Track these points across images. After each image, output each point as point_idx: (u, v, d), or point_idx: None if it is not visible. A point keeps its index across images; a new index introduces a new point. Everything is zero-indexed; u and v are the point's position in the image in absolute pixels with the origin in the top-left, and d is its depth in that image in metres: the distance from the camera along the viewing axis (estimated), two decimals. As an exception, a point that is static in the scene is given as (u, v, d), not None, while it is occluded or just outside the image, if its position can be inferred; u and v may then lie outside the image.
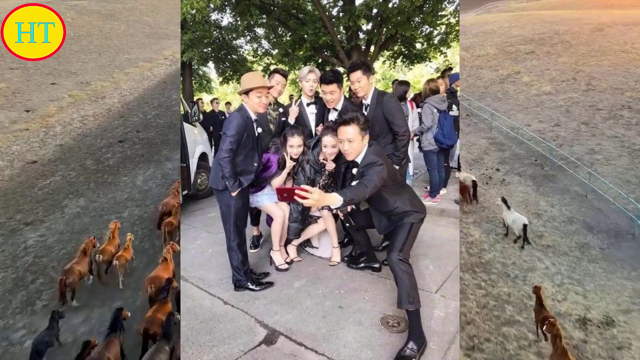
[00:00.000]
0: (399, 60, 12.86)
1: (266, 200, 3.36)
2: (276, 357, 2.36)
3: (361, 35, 11.33)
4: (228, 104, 9.61)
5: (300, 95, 3.73)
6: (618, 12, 16.43)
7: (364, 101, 3.32)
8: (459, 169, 6.36)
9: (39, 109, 8.35)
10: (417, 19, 10.85)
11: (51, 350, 3.03)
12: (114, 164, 6.56)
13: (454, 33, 11.40)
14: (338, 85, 3.26)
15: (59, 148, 7.10)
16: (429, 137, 4.97)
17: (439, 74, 7.74)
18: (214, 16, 12.90)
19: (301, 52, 11.88)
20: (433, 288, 3.05)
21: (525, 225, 5.38)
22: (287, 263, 3.46)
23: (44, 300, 3.74)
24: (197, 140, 5.77)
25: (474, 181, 6.14)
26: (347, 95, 4.20)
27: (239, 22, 12.35)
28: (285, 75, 3.71)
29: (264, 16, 11.50)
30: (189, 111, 5.86)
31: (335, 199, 2.10)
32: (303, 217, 3.44)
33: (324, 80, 3.26)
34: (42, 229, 4.90)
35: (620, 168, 7.23)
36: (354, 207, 3.08)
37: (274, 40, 12.93)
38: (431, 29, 11.59)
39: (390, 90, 7.95)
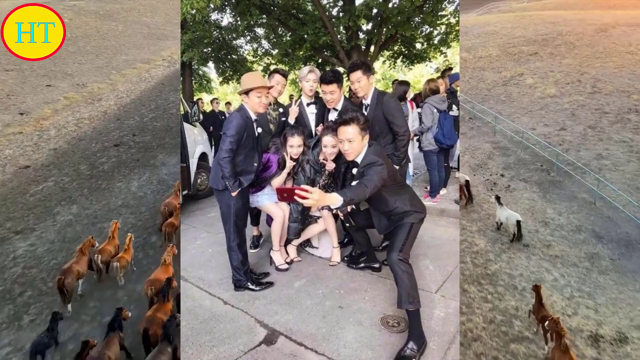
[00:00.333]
0: (399, 60, 12.86)
1: (266, 200, 3.36)
2: (276, 357, 2.36)
3: (361, 35, 11.33)
4: (228, 104, 9.61)
5: (300, 95, 3.72)
6: (620, 12, 16.26)
7: (364, 101, 3.32)
8: (458, 169, 6.36)
9: (33, 112, 8.24)
10: (417, 19, 10.83)
11: (50, 350, 3.02)
12: (108, 169, 6.44)
13: (454, 33, 11.38)
14: (338, 85, 3.26)
15: (53, 152, 6.99)
16: (429, 137, 4.97)
17: (439, 74, 7.74)
18: (214, 16, 12.90)
19: (301, 52, 11.88)
20: (433, 288, 3.05)
21: (518, 222, 5.37)
22: (287, 263, 3.46)
23: (31, 315, 3.58)
24: (197, 140, 5.77)
25: (467, 181, 6.13)
26: (347, 95, 4.20)
27: (239, 22, 12.34)
28: (285, 75, 3.71)
29: (264, 16, 11.49)
30: (189, 111, 5.86)
31: (335, 199, 2.10)
32: (303, 217, 3.44)
33: (324, 80, 3.26)
34: (32, 237, 4.75)
35: (629, 174, 6.98)
36: (354, 207, 3.08)
37: (274, 40, 12.92)
38: (431, 29, 11.58)
39: (390, 90, 7.95)
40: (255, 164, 3.09)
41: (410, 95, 5.36)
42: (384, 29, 10.78)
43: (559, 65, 11.86)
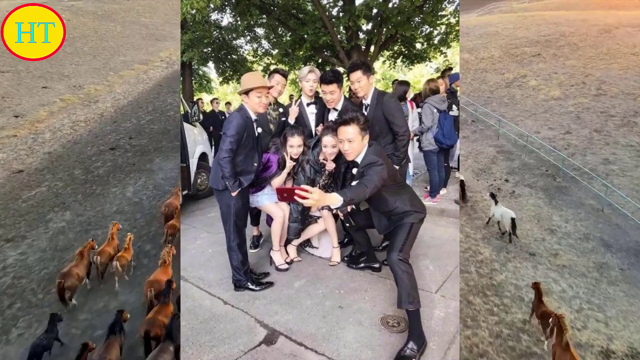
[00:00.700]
0: (399, 60, 12.86)
1: (266, 200, 3.36)
2: (276, 357, 2.36)
3: (361, 35, 11.33)
4: (228, 104, 9.61)
5: (300, 95, 3.73)
6: (622, 13, 16.05)
7: (364, 101, 3.32)
8: (458, 168, 6.35)
9: (28, 114, 8.08)
10: (417, 19, 10.84)
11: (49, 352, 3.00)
12: (103, 174, 6.26)
13: (454, 33, 11.39)
14: (338, 85, 3.26)
15: (47, 156, 6.82)
16: (429, 137, 4.98)
17: (439, 74, 7.73)
18: (214, 16, 12.91)
19: (301, 52, 11.88)
20: (433, 288, 3.05)
21: (513, 219, 5.33)
22: (287, 263, 3.46)
23: (20, 329, 3.41)
24: (197, 140, 5.77)
25: (462, 181, 6.10)
26: (347, 95, 4.20)
27: (239, 22, 12.34)
28: (285, 75, 3.71)
29: (264, 16, 11.50)
30: (189, 111, 5.86)
31: (335, 199, 2.10)
32: (303, 217, 3.44)
33: (324, 80, 3.26)
34: (23, 245, 4.59)
35: (638, 180, 6.78)
36: (354, 207, 3.08)
37: (274, 40, 12.93)
38: (431, 29, 11.58)
39: (390, 90, 7.95)
40: (255, 164, 3.09)
41: (410, 95, 5.36)
42: (384, 29, 10.79)
43: (563, 67, 11.67)
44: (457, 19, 11.22)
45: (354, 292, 3.03)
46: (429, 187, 5.19)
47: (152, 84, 10.35)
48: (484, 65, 12.77)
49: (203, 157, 5.88)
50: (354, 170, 2.64)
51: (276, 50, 12.46)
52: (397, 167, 3.05)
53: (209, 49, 13.20)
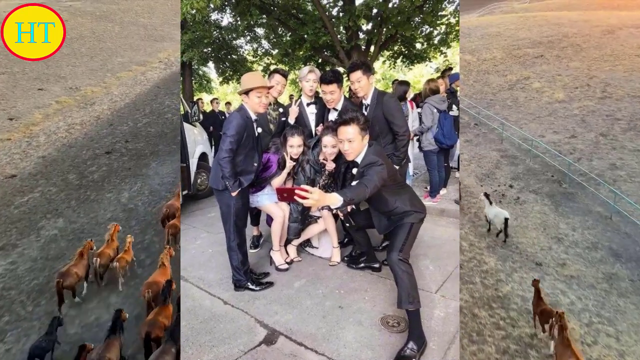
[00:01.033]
0: (399, 60, 12.86)
1: (266, 200, 3.36)
2: (276, 357, 2.36)
3: (361, 35, 11.33)
4: (228, 104, 9.62)
5: (300, 95, 3.73)
6: (625, 13, 15.85)
7: (364, 101, 3.32)
8: (458, 168, 6.35)
9: (23, 117, 7.92)
10: (417, 19, 10.84)
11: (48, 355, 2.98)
12: (98, 179, 6.11)
13: (454, 33, 11.39)
14: (338, 85, 3.26)
15: (42, 160, 6.66)
16: (429, 137, 4.98)
17: (439, 74, 7.73)
18: (214, 16, 12.91)
19: (301, 52, 11.89)
20: (433, 288, 3.05)
21: (506, 219, 5.31)
22: (287, 263, 3.46)
23: (7, 343, 3.29)
24: (197, 140, 5.77)
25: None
26: (347, 95, 4.20)
27: (239, 22, 12.35)
28: (285, 75, 3.72)
29: (264, 16, 11.50)
30: (189, 111, 5.86)
31: (335, 199, 2.10)
32: (303, 217, 3.44)
33: (324, 80, 3.26)
34: (13, 254, 4.44)
35: None
36: (354, 207, 3.08)
37: (274, 40, 12.94)
38: (431, 29, 11.58)
39: (390, 90, 7.95)
40: (255, 164, 3.09)
41: (410, 95, 5.36)
42: (384, 29, 10.79)
43: (566, 69, 11.46)
44: (457, 19, 11.22)
45: (354, 292, 3.03)
46: (429, 187, 5.19)
47: (150, 85, 10.21)
48: (486, 66, 12.62)
49: (203, 157, 5.88)
50: (354, 170, 2.64)
51: (276, 50, 12.46)
52: (397, 167, 3.05)
53: (209, 49, 13.20)
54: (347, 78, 3.62)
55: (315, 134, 3.55)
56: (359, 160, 2.55)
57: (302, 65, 10.67)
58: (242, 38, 13.55)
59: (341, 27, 11.27)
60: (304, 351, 2.40)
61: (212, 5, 10.15)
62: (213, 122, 7.58)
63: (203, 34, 11.98)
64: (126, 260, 3.88)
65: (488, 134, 9.09)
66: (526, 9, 21.60)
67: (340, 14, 11.07)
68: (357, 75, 3.17)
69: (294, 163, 3.30)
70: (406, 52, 12.58)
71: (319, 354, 2.37)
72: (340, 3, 11.16)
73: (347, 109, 2.87)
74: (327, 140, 3.12)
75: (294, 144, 3.22)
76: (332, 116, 3.44)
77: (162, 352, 2.72)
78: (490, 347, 3.78)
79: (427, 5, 10.57)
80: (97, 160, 6.70)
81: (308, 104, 3.62)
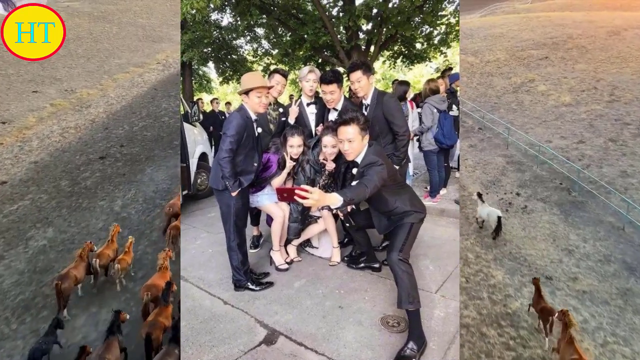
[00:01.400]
0: (399, 60, 12.85)
1: (266, 200, 3.37)
2: (276, 357, 2.36)
3: (361, 35, 11.33)
4: (228, 104, 9.62)
5: (300, 95, 3.73)
6: (629, 14, 15.49)
7: (364, 101, 3.33)
8: (458, 168, 6.35)
9: (16, 120, 7.67)
10: (417, 19, 10.83)
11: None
12: (91, 185, 5.87)
13: (454, 33, 11.38)
14: (338, 85, 3.26)
15: (34, 166, 6.44)
16: (429, 137, 4.98)
17: (439, 74, 7.73)
18: (214, 16, 12.89)
19: (301, 52, 11.88)
20: (433, 288, 3.05)
21: (499, 217, 5.24)
22: (287, 263, 3.47)
23: None
24: (197, 140, 5.78)
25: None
26: (347, 95, 4.20)
27: (239, 22, 12.34)
28: (285, 75, 3.72)
29: (264, 16, 11.50)
30: (189, 111, 5.86)
31: (335, 199, 2.11)
32: (303, 217, 3.44)
33: (324, 80, 3.27)
34: (0, 267, 4.26)
35: None
36: (354, 207, 3.08)
37: (274, 40, 12.93)
38: (431, 29, 11.57)
39: (390, 90, 7.95)
40: (255, 164, 3.09)
41: (410, 95, 5.37)
42: (384, 29, 10.79)
43: (572, 71, 11.07)
44: (457, 19, 11.21)
45: (354, 292, 3.03)
46: (429, 187, 5.20)
47: (147, 87, 9.98)
48: (490, 68, 12.28)
49: (203, 157, 5.88)
50: (354, 170, 2.64)
51: (276, 50, 12.46)
52: (397, 167, 3.05)
53: (209, 49, 13.19)
54: (347, 78, 3.62)
55: (315, 134, 3.56)
56: (359, 160, 2.56)
57: (302, 65, 10.67)
58: (242, 38, 13.54)
59: (341, 27, 11.26)
60: (304, 351, 2.40)
61: (212, 5, 10.14)
62: (213, 122, 7.58)
63: (203, 34, 11.97)
64: (126, 261, 3.86)
65: (493, 139, 8.72)
66: (528, 9, 21.28)
67: (340, 14, 11.07)
68: (357, 75, 3.17)
69: (294, 163, 3.30)
70: (406, 52, 12.57)
71: (319, 354, 2.37)
72: (340, 3, 11.16)
73: (347, 109, 2.87)
74: (327, 140, 3.12)
75: (294, 144, 3.22)
76: (332, 116, 3.45)
77: (166, 353, 2.71)
78: (500, 371, 3.53)
79: (427, 5, 10.56)
80: (91, 166, 6.44)
81: (308, 104, 3.63)
